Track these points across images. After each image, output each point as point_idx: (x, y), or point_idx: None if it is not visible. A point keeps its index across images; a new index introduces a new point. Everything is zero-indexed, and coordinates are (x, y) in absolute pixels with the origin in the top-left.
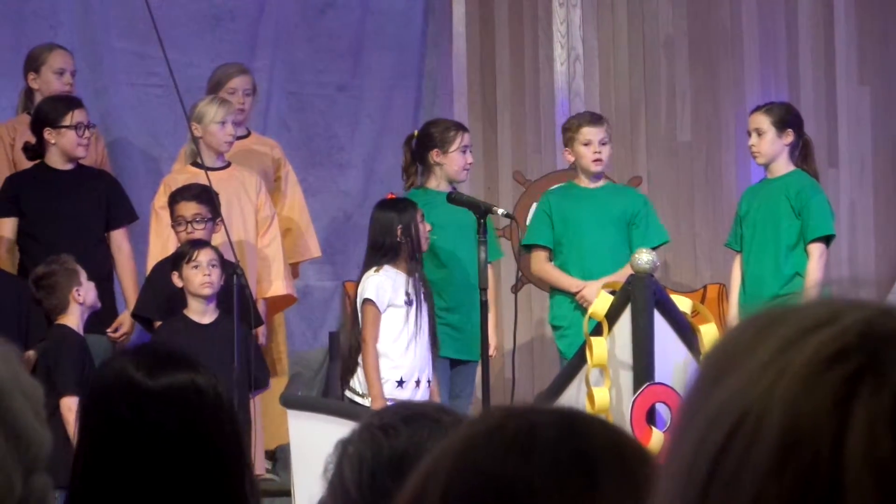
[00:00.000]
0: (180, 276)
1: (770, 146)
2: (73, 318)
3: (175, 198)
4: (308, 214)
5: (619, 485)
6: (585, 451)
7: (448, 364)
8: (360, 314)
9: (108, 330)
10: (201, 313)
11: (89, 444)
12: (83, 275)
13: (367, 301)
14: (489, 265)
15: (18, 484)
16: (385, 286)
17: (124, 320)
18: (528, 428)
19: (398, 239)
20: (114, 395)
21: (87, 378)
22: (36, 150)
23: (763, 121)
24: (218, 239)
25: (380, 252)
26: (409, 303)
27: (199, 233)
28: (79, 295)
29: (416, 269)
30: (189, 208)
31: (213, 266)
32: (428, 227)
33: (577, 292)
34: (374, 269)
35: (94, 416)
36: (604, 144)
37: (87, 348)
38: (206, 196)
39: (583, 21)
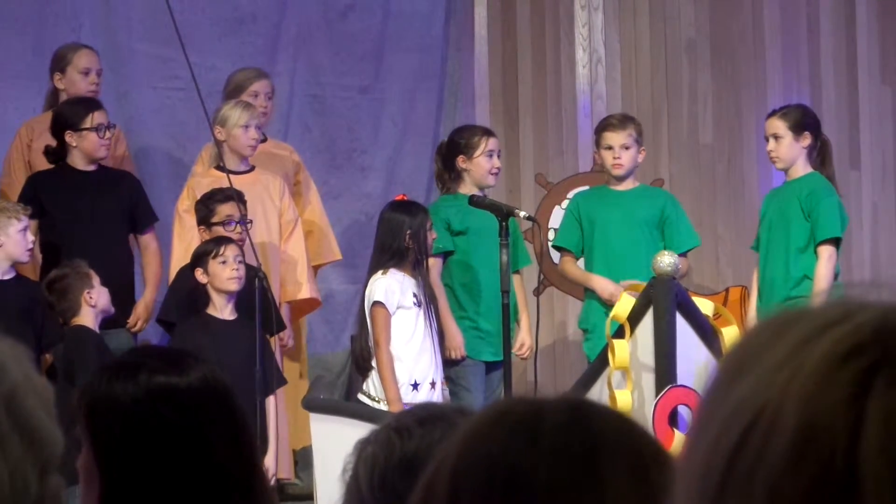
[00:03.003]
0: (205, 272)
1: (788, 150)
2: (88, 320)
3: (214, 199)
4: (326, 218)
5: (625, 473)
6: (592, 439)
7: (483, 367)
8: (368, 317)
9: (129, 323)
10: (222, 310)
11: (104, 449)
12: (96, 279)
13: (376, 304)
14: (519, 271)
15: (34, 484)
16: (393, 288)
17: (138, 308)
18: (534, 414)
19: (406, 243)
20: (146, 396)
21: None
22: (57, 153)
23: (779, 125)
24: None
25: (387, 254)
26: (417, 304)
27: (236, 234)
28: (90, 298)
29: (420, 273)
30: (233, 207)
31: (239, 261)
32: (434, 235)
33: (605, 296)
34: (381, 271)
35: (119, 417)
36: (626, 149)
37: (106, 345)
38: (240, 198)
39: (605, 24)
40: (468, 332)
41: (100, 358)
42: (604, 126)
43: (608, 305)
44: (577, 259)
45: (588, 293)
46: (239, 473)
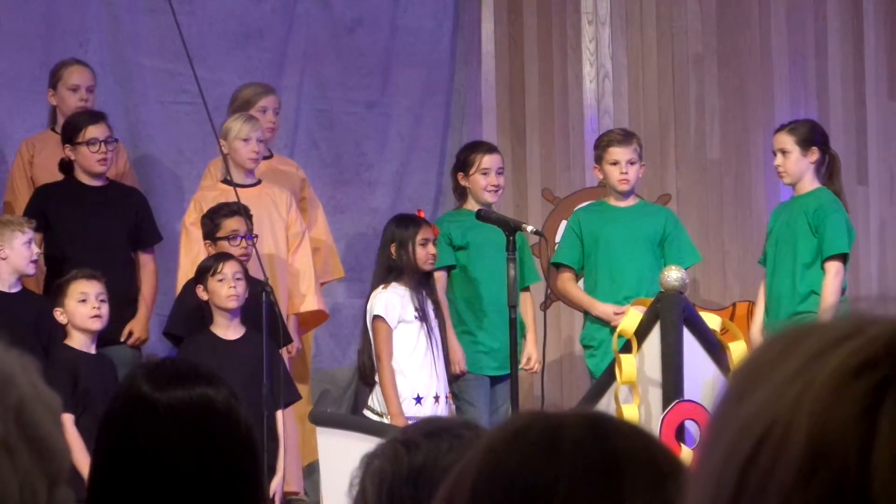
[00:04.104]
0: (205, 289)
1: (795, 165)
2: (76, 337)
3: (220, 214)
4: (331, 235)
5: (645, 487)
6: (612, 454)
7: (488, 381)
8: (370, 332)
9: (122, 339)
10: (226, 328)
11: (103, 458)
12: (74, 296)
13: (376, 318)
14: (528, 288)
15: (43, 496)
16: (394, 302)
17: (134, 327)
18: (554, 429)
19: (391, 255)
20: (124, 409)
21: (82, 394)
22: (68, 166)
23: (787, 140)
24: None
25: (383, 268)
26: (419, 318)
27: (241, 248)
28: (61, 315)
29: (419, 286)
30: (239, 222)
31: (238, 279)
32: (433, 250)
33: (613, 322)
34: (382, 286)
35: (108, 430)
36: (632, 164)
37: (83, 366)
38: (245, 212)
39: (612, 39)
40: (469, 346)
41: (73, 379)
42: (608, 141)
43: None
44: (578, 275)
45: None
46: (216, 494)
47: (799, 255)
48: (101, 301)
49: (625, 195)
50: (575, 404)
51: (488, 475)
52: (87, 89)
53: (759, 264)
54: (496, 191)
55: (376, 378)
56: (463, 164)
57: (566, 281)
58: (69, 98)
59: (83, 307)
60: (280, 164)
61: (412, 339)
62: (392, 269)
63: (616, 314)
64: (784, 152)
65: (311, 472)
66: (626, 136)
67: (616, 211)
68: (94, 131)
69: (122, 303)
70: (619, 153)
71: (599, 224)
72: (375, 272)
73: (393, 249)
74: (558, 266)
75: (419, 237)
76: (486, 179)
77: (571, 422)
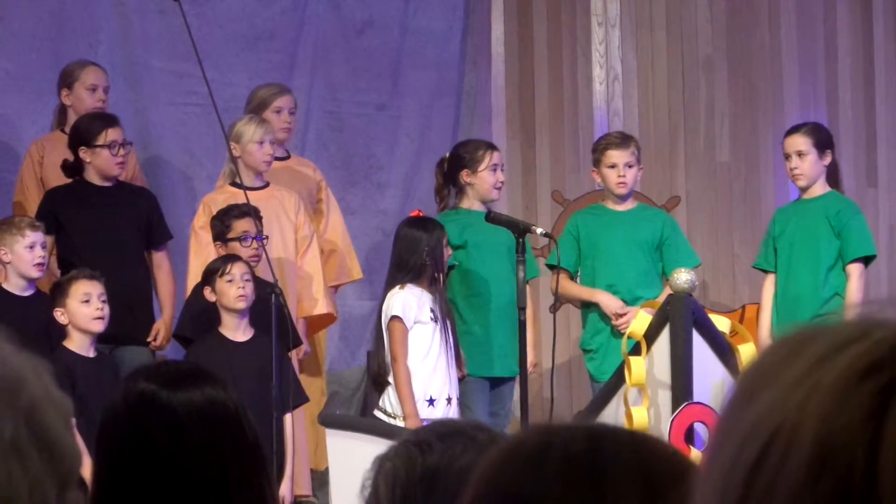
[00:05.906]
0: (213, 291)
1: (812, 168)
2: (75, 339)
3: (230, 215)
4: (349, 236)
5: (637, 497)
6: (601, 469)
7: (487, 384)
8: (385, 332)
9: (149, 339)
10: (235, 329)
11: (111, 458)
12: (76, 296)
13: (394, 318)
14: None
15: (52, 500)
16: (410, 303)
17: (160, 327)
18: (544, 445)
19: (423, 259)
20: (135, 409)
21: (78, 399)
22: (74, 168)
23: (805, 143)
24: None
25: (404, 270)
26: (434, 319)
27: (252, 249)
28: (62, 315)
29: (437, 288)
30: (249, 223)
31: (246, 280)
32: (449, 251)
33: (617, 318)
34: (399, 286)
35: (116, 430)
36: (629, 167)
37: (80, 370)
38: (255, 214)
39: (622, 41)
40: (469, 347)
41: (69, 384)
42: (606, 145)
43: (609, 323)
44: (572, 277)
45: (588, 314)
46: (239, 496)
47: (822, 258)
48: (103, 301)
49: (623, 198)
50: (583, 406)
51: (485, 490)
52: (104, 90)
53: (756, 267)
54: (501, 188)
55: (389, 379)
56: (469, 161)
57: (564, 280)
58: (87, 98)
59: (86, 308)
60: (298, 164)
61: (426, 340)
62: (410, 270)
63: (617, 308)
64: (801, 154)
65: (320, 474)
66: (623, 140)
67: (614, 215)
68: (113, 134)
69: (136, 303)
70: (616, 156)
71: (597, 228)
72: (390, 274)
73: (425, 253)
74: (552, 268)
75: (444, 239)
76: (494, 176)
77: (564, 436)
